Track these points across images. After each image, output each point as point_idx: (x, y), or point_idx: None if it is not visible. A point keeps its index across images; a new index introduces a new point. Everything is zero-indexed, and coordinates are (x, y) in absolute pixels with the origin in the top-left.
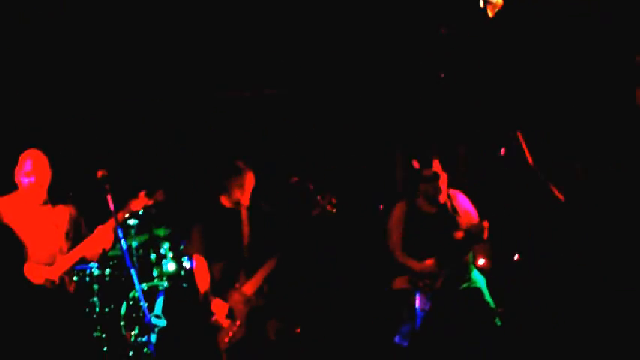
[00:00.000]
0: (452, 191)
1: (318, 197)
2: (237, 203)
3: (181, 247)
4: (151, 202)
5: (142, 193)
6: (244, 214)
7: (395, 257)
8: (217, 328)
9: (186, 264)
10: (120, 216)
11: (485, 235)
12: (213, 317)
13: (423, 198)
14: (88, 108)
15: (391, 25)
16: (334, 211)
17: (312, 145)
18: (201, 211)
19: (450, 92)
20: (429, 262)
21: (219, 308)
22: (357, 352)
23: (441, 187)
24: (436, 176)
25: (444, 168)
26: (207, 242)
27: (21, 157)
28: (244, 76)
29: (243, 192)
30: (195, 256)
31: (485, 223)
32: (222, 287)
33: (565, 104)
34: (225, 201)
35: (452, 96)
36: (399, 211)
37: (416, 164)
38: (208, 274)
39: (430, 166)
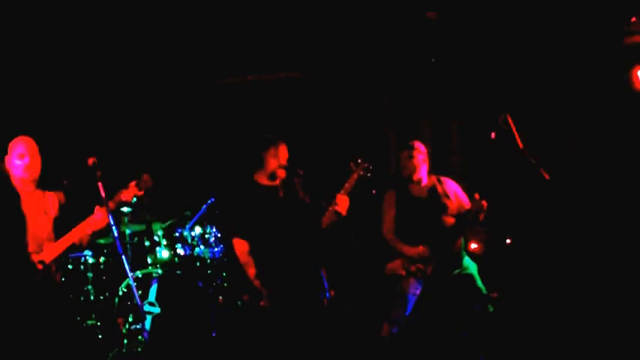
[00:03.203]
0: (442, 177)
1: (351, 164)
2: (274, 175)
3: (210, 233)
4: (141, 193)
5: (133, 183)
6: (280, 192)
7: (387, 242)
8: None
9: (180, 251)
10: (110, 205)
11: (482, 216)
12: (262, 302)
13: (406, 176)
14: (81, 94)
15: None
16: (369, 175)
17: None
18: (234, 193)
19: (442, 75)
20: (421, 247)
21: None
22: (349, 339)
23: (415, 163)
24: (411, 149)
25: (433, 151)
26: (246, 224)
27: (11, 143)
28: (223, 61)
29: (279, 162)
30: (235, 241)
31: (485, 203)
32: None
33: (556, 88)
34: (260, 177)
35: (443, 79)
36: (390, 196)
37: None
38: (251, 258)
39: (412, 145)
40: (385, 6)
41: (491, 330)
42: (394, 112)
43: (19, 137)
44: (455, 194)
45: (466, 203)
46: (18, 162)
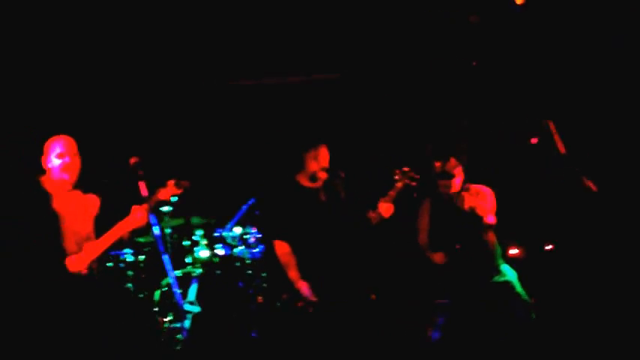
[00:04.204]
0: (474, 186)
1: (396, 171)
2: (314, 177)
3: (250, 233)
4: (179, 192)
5: (171, 182)
6: (322, 194)
7: (421, 248)
8: (305, 311)
9: (219, 251)
10: (149, 205)
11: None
12: (300, 303)
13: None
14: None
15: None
16: (414, 184)
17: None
18: (276, 194)
19: (483, 80)
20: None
21: (309, 294)
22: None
23: (453, 187)
24: (450, 176)
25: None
26: (287, 225)
27: (48, 143)
28: (262, 62)
29: (319, 164)
30: (276, 242)
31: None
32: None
33: (596, 94)
34: (302, 179)
35: (484, 85)
36: (425, 204)
37: (438, 165)
38: (294, 259)
39: (448, 163)
40: (426, 8)
41: (534, 336)
42: (434, 116)
43: (58, 136)
44: (481, 200)
45: (487, 210)
46: (57, 161)
